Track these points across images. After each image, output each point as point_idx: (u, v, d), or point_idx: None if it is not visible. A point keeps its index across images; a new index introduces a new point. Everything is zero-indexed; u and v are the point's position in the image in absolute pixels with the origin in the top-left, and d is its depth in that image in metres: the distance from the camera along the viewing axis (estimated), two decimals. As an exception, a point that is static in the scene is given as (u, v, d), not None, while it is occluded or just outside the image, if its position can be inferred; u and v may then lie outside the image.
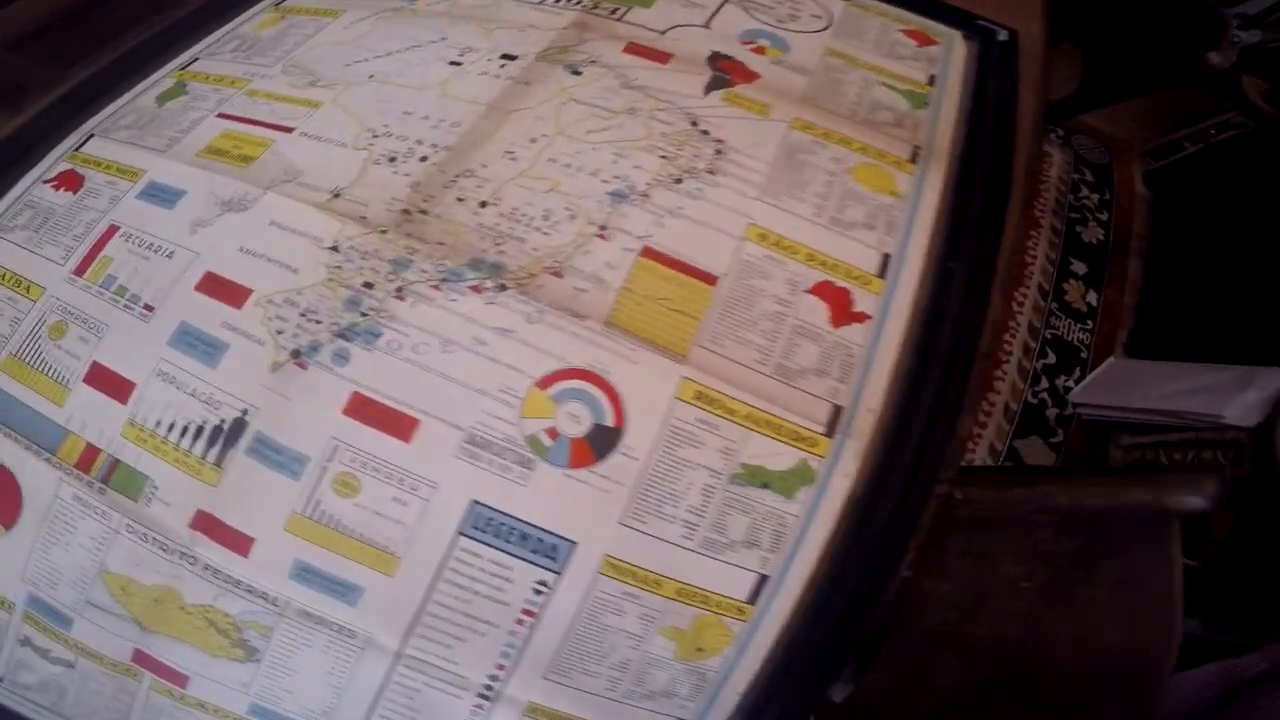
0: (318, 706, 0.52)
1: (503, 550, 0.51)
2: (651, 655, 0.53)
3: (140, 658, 0.55)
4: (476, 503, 0.51)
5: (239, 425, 0.53)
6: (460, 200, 0.59)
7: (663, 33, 0.71)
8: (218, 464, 0.53)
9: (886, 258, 0.59)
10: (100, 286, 0.59)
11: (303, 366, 0.54)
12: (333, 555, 0.51)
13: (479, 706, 0.51)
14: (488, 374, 0.53)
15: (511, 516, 0.51)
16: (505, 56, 0.68)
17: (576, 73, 0.66)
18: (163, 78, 0.72)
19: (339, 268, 0.56)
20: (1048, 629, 0.56)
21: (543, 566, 0.51)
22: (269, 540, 0.52)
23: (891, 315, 0.57)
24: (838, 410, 0.54)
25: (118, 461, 0.55)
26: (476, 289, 0.55)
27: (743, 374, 0.54)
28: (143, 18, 0.95)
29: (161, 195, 0.62)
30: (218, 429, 0.53)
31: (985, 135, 0.67)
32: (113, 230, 0.61)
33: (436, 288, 0.55)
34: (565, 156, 0.61)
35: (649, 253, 0.56)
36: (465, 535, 0.51)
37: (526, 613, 0.51)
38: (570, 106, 0.64)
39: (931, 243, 0.60)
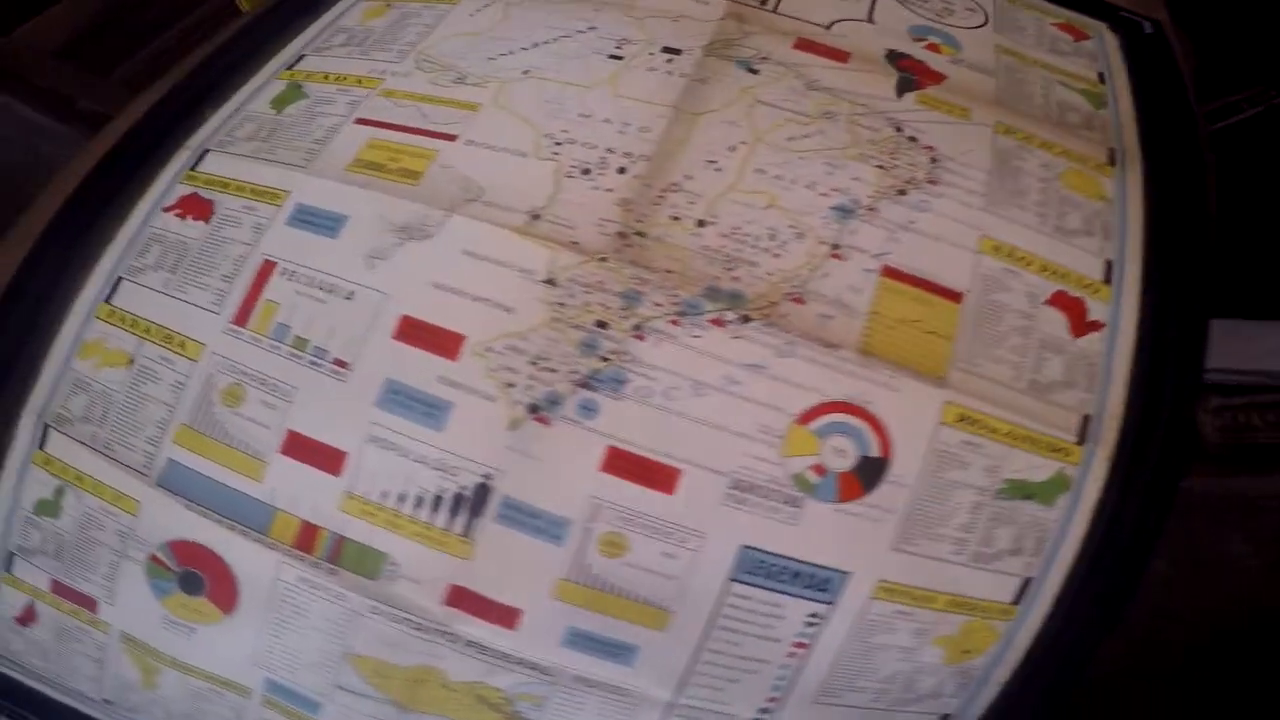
0: None
1: (775, 590, 0.48)
2: (921, 664, 0.51)
3: None
4: (746, 547, 0.48)
5: (483, 491, 0.48)
6: (675, 219, 0.53)
7: (828, 27, 0.64)
8: (466, 535, 0.48)
9: (1109, 264, 0.56)
10: (272, 339, 0.52)
11: (546, 422, 0.49)
12: (605, 618, 0.48)
13: None
14: (745, 415, 0.49)
15: (782, 556, 0.48)
16: (668, 50, 0.60)
17: (753, 70, 0.59)
18: (268, 80, 0.62)
19: (562, 305, 0.50)
20: (1268, 601, 0.58)
21: (815, 600, 0.49)
22: (537, 610, 0.48)
23: (1123, 321, 0.55)
24: (1086, 419, 0.53)
25: (344, 539, 0.50)
26: (718, 322, 0.50)
27: (1001, 393, 0.51)
28: (172, 20, 0.83)
29: (317, 221, 0.55)
30: (459, 497, 0.49)
31: (1169, 132, 0.64)
32: (269, 267, 0.54)
33: (675, 323, 0.50)
34: (773, 167, 0.55)
35: (890, 272, 0.52)
36: (736, 581, 0.48)
37: (798, 645, 0.49)
38: (760, 110, 0.57)
39: (1145, 245, 0.58)
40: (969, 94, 0.62)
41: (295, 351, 0.52)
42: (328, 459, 0.50)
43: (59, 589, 0.55)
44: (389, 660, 0.50)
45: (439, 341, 0.50)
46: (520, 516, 0.48)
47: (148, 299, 0.55)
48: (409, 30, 0.64)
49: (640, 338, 0.50)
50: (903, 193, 0.55)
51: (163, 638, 0.54)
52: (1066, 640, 0.54)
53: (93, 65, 0.76)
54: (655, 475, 0.48)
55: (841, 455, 0.49)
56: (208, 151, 0.59)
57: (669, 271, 0.51)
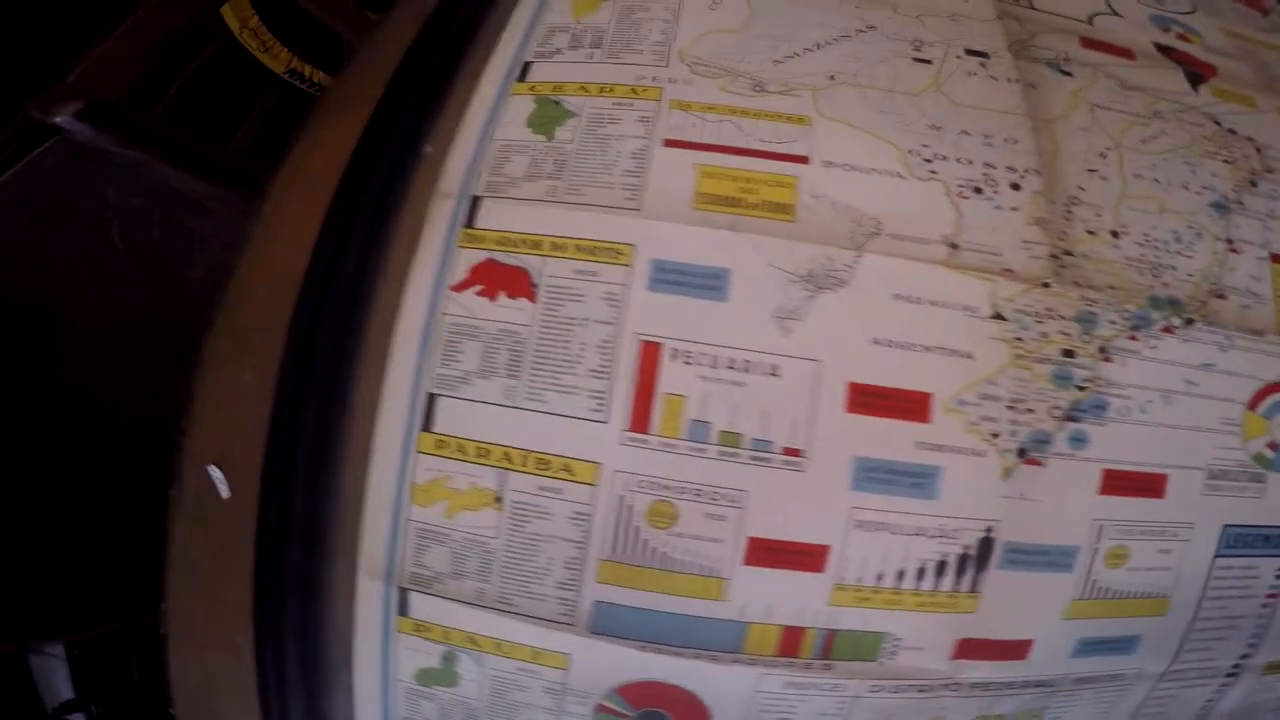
0: None
1: (1251, 556, 0.50)
2: None
3: None
4: (1227, 526, 0.49)
5: (986, 545, 0.45)
6: (1091, 233, 0.47)
7: (1089, 22, 0.57)
8: (973, 590, 0.45)
9: None
10: (691, 442, 0.43)
11: (1039, 464, 0.44)
12: (1111, 620, 0.48)
13: (1223, 685, 0.54)
14: (1208, 412, 0.48)
15: (1255, 526, 0.50)
16: (972, 53, 0.51)
17: (1065, 73, 0.53)
18: (501, 97, 0.46)
19: (1019, 340, 0.44)
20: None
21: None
22: (1048, 635, 0.47)
23: None
24: None
25: (835, 632, 0.45)
26: (1169, 330, 0.47)
27: None
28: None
29: (691, 281, 0.43)
30: (963, 558, 0.45)
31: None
32: (652, 351, 0.43)
33: (1134, 339, 0.46)
34: (1146, 171, 0.50)
35: (1278, 258, 0.51)
36: (1221, 556, 0.49)
37: (1270, 596, 0.52)
38: (1099, 114, 0.51)
39: None
40: (1241, 81, 0.59)
41: (728, 450, 0.43)
42: (806, 558, 0.44)
43: None
44: None
45: (903, 405, 0.43)
46: (1026, 558, 0.46)
47: (488, 417, 0.43)
48: (648, 28, 0.49)
49: (1108, 359, 0.46)
50: (1254, 184, 0.52)
51: None
52: None
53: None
54: (1147, 485, 0.47)
55: None
56: (479, 200, 0.44)
57: (1111, 288, 0.47)
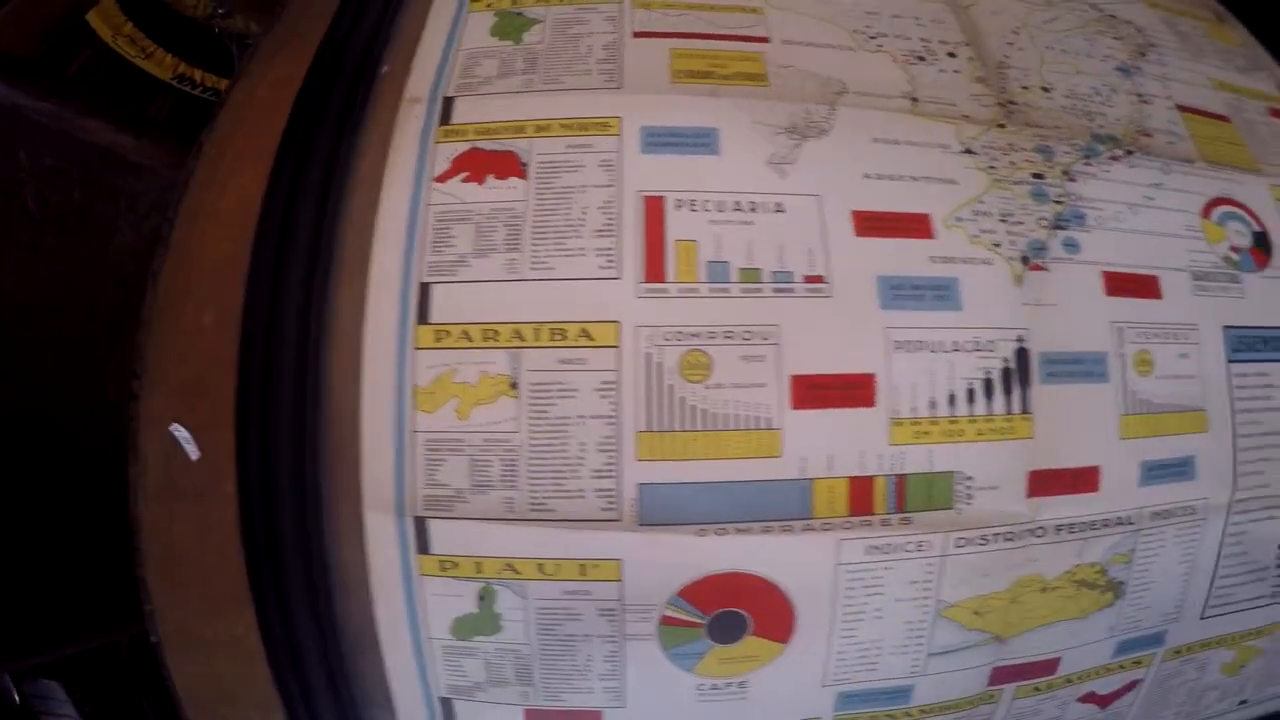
0: (1171, 607, 0.48)
1: (1260, 360, 0.51)
2: None
3: (1000, 674, 0.45)
4: (1227, 328, 0.50)
5: (1024, 355, 0.43)
6: (1026, 89, 0.52)
7: None
8: (1025, 410, 0.43)
9: None
10: (709, 283, 0.40)
11: (1044, 268, 0.45)
12: (1164, 439, 0.46)
13: None
14: (1171, 220, 0.50)
15: (1252, 327, 0.51)
16: None
17: None
18: (458, 14, 0.47)
19: (992, 168, 0.47)
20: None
21: None
22: (1112, 458, 0.45)
23: None
24: None
25: (904, 477, 0.41)
26: (1115, 158, 0.51)
27: None
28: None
29: (682, 141, 0.43)
30: (1006, 371, 0.43)
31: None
32: (656, 204, 0.41)
33: (1089, 164, 0.50)
34: (1055, 43, 0.57)
35: (1183, 108, 0.57)
36: (1233, 362, 0.49)
37: None
38: (1004, 1, 0.58)
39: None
40: None
41: (750, 286, 0.41)
42: (855, 391, 0.41)
43: (539, 718, 0.39)
44: (985, 593, 0.43)
45: (908, 226, 0.44)
46: (1064, 368, 0.44)
47: (491, 296, 0.39)
48: None
49: (1072, 180, 0.49)
50: (1143, 54, 0.60)
51: (702, 713, 0.41)
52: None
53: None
54: (1143, 286, 0.48)
55: (1240, 235, 0.54)
56: (452, 99, 0.43)
57: (1056, 127, 0.51)
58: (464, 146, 0.42)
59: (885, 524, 0.41)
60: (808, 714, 0.43)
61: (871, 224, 0.43)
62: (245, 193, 0.41)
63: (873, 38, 0.50)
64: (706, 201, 0.42)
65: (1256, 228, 0.54)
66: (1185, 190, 0.52)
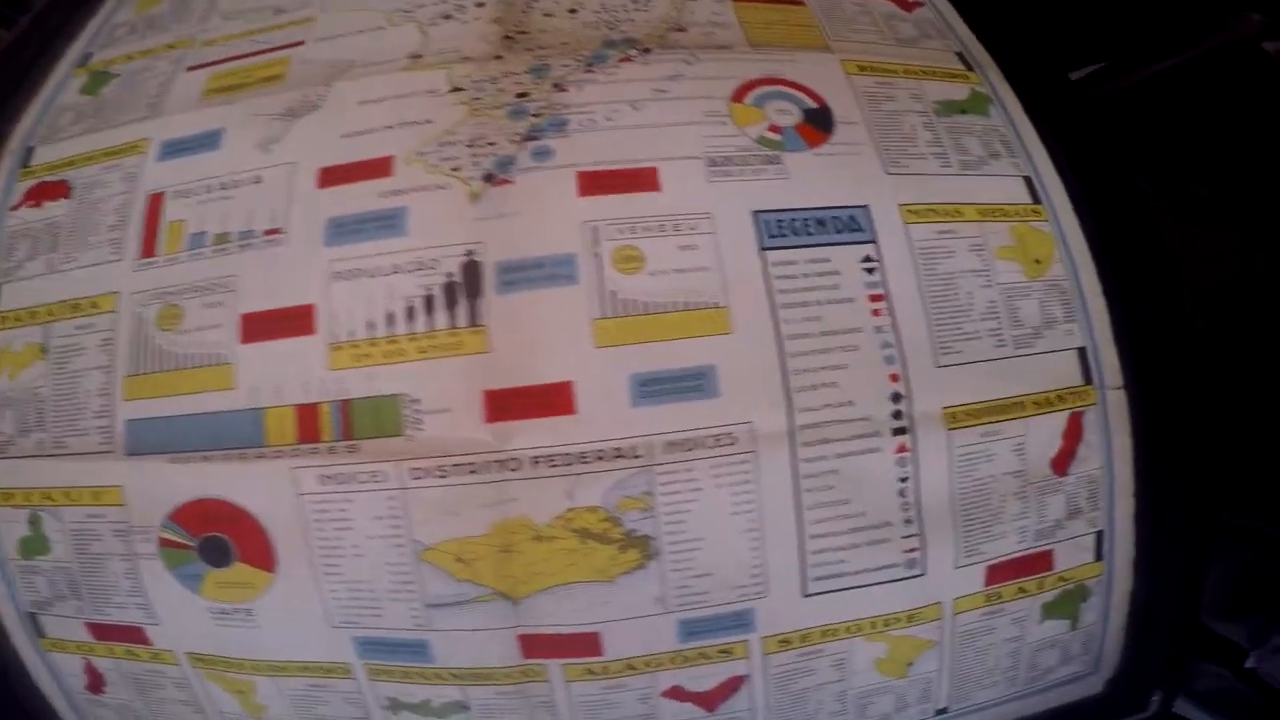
0: (743, 577, 0.43)
1: (811, 245, 0.46)
2: (1003, 284, 0.47)
3: (529, 645, 0.44)
4: (757, 212, 0.46)
5: (473, 268, 0.44)
6: (549, 15, 0.53)
7: None
8: (474, 323, 0.43)
9: None
10: (191, 249, 0.47)
11: (509, 182, 0.46)
12: (662, 345, 0.43)
13: (902, 448, 0.44)
14: (685, 109, 0.48)
15: (795, 209, 0.46)
16: None
17: None
18: (65, 79, 0.57)
19: (477, 99, 0.49)
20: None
21: (855, 241, 0.46)
22: (587, 372, 0.43)
23: None
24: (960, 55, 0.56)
25: (348, 402, 0.44)
26: (626, 59, 0.50)
27: (878, 48, 0.54)
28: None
29: (191, 145, 0.50)
30: (449, 287, 0.44)
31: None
32: (158, 199, 0.49)
33: (589, 71, 0.50)
34: None
35: None
36: (769, 249, 0.45)
37: (874, 298, 0.46)
38: None
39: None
40: None
41: (220, 247, 0.47)
42: (295, 321, 0.45)
43: (99, 631, 0.47)
44: (460, 535, 0.43)
45: (369, 170, 0.47)
46: (521, 275, 0.44)
47: (36, 288, 0.49)
48: (196, 3, 0.60)
49: (563, 90, 0.49)
50: None
51: (227, 639, 0.46)
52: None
53: None
54: (634, 179, 0.46)
55: (786, 114, 0.50)
56: (33, 148, 0.54)
57: (564, 44, 0.51)
58: (33, 182, 0.52)
59: (333, 451, 0.43)
60: (331, 656, 0.45)
61: (337, 174, 0.47)
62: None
63: (408, 11, 0.54)
64: (198, 186, 0.49)
65: (811, 105, 0.50)
66: (711, 76, 0.50)
